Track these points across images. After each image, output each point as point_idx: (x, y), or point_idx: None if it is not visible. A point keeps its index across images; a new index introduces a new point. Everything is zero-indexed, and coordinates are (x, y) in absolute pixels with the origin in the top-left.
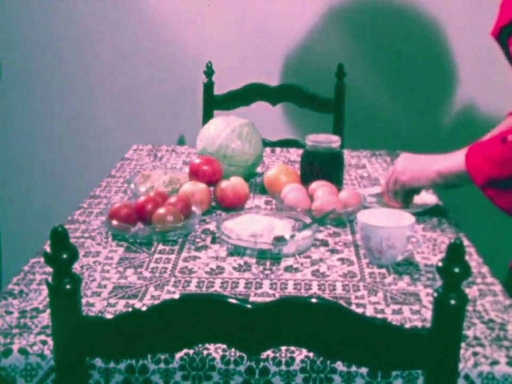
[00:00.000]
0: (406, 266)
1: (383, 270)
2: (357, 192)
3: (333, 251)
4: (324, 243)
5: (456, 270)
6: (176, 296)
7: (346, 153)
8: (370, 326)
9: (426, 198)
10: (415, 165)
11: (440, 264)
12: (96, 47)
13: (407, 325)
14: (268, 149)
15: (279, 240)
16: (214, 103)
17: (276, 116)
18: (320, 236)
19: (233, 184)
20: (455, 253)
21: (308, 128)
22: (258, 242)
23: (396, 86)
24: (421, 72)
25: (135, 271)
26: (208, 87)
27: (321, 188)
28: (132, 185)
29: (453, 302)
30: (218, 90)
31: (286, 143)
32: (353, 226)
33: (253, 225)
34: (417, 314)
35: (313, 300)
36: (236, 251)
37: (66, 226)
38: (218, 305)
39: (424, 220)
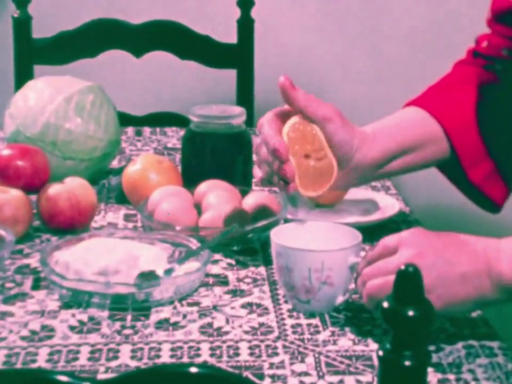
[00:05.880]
0: (352, 313)
1: (315, 320)
2: (273, 197)
3: (235, 292)
4: (221, 280)
5: (410, 312)
6: None
7: (257, 137)
8: None
9: (385, 202)
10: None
11: (384, 304)
12: None
13: None
14: (129, 130)
15: (147, 278)
16: (33, 53)
17: (143, 75)
18: (215, 268)
19: (70, 189)
20: (407, 286)
21: (196, 95)
22: (112, 284)
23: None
24: None
25: None
26: (22, 23)
27: (214, 192)
28: None
29: (407, 363)
30: (40, 30)
31: (159, 120)
32: (267, 251)
33: (104, 256)
34: None
35: (194, 370)
36: (74, 299)
37: None
38: None
39: (381, 237)
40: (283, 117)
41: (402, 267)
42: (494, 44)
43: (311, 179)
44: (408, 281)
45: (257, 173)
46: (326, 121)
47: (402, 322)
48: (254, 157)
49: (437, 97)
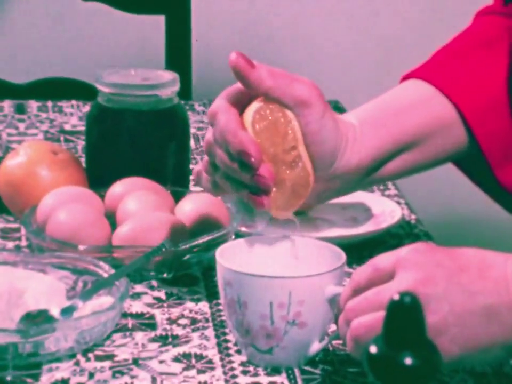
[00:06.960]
0: (332, 366)
1: (280, 378)
2: (220, 201)
3: (166, 339)
4: (145, 322)
5: (408, 360)
6: None
7: (196, 114)
8: None
9: (381, 207)
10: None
11: (372, 349)
12: None
13: None
14: (6, 105)
15: (36, 321)
16: None
17: (25, 24)
18: (136, 305)
19: None
20: (403, 323)
21: (107, 53)
22: None
23: None
24: None
25: None
26: None
27: (135, 195)
28: None
29: None
30: None
31: (52, 90)
32: (211, 279)
33: None
34: None
35: None
36: None
37: None
38: None
39: (372, 255)
40: (240, 101)
41: (396, 296)
42: None
43: (284, 192)
44: (404, 316)
45: (202, 177)
46: (302, 106)
47: (396, 373)
48: (200, 163)
49: (449, 65)
